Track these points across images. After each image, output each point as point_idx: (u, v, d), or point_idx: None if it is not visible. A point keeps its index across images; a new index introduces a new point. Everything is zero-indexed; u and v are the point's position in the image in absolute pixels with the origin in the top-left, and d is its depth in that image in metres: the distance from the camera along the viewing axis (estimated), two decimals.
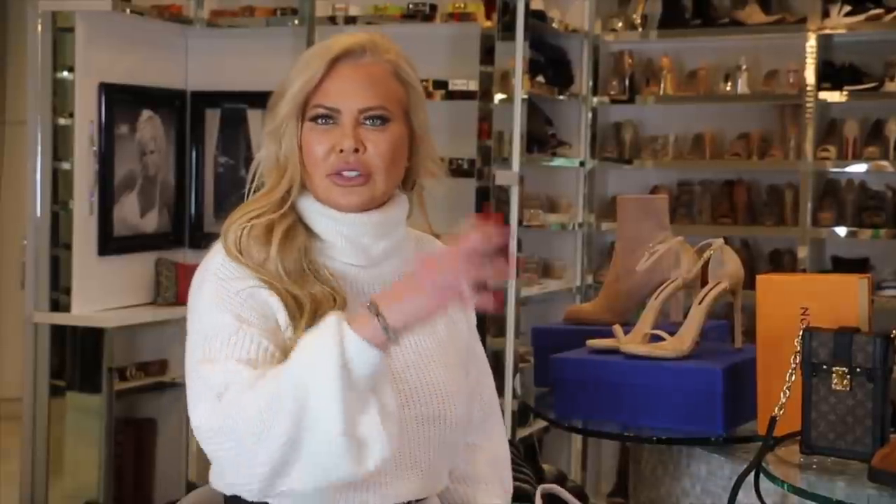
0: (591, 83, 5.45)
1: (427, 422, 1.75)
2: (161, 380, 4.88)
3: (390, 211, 1.78)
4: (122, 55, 4.68)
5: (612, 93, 5.49)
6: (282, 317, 1.68)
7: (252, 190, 1.80)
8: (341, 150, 1.72)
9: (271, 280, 1.69)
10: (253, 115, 5.02)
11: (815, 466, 1.94)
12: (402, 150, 1.77)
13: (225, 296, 1.68)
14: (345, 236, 1.76)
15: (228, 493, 1.70)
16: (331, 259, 1.76)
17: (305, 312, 1.66)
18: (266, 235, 1.73)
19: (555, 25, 5.13)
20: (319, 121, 1.74)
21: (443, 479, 1.82)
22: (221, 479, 1.68)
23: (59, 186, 4.56)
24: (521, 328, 4.50)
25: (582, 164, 5.44)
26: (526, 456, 2.51)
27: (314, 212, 1.76)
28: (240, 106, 5.03)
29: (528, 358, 4.43)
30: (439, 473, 1.81)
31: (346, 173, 1.72)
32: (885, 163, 5.04)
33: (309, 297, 1.68)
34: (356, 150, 1.72)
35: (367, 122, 1.74)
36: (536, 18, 4.86)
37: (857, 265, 5.10)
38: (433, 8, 4.69)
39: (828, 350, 1.95)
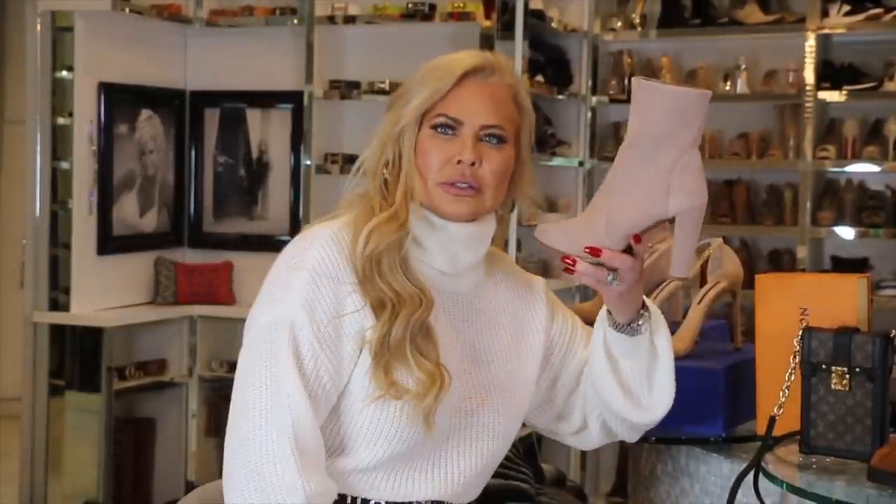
0: (590, 83, 5.45)
1: (472, 433, 1.80)
2: (160, 379, 4.88)
3: (483, 226, 1.82)
4: (122, 55, 4.68)
5: (612, 92, 5.49)
6: (355, 342, 1.72)
7: (350, 188, 1.83)
8: (459, 161, 1.75)
9: (364, 277, 1.73)
10: (252, 115, 5.02)
11: (814, 466, 1.94)
12: (510, 170, 1.81)
13: (317, 308, 1.71)
14: (438, 242, 1.79)
15: None
16: (422, 263, 1.80)
17: (387, 310, 1.71)
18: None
19: (554, 25, 5.13)
20: (440, 129, 1.77)
21: (472, 493, 1.85)
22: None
23: (59, 186, 4.56)
24: None
25: (581, 163, 5.44)
26: (525, 455, 2.51)
27: (414, 214, 1.79)
28: (239, 105, 5.03)
29: None
30: (472, 485, 1.83)
31: (459, 184, 1.76)
32: (884, 162, 5.04)
33: (394, 294, 1.72)
34: (472, 164, 1.75)
35: (486, 139, 1.78)
36: (535, 18, 4.86)
37: (856, 265, 5.10)
38: (432, 7, 4.69)
39: (827, 350, 1.95)
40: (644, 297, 1.83)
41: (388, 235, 1.74)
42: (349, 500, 1.75)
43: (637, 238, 1.71)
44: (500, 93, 1.80)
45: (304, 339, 1.69)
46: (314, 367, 1.70)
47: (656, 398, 1.86)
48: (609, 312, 1.82)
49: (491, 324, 1.86)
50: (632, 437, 1.95)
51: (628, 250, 1.72)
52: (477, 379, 1.81)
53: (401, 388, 1.70)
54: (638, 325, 1.81)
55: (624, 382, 1.85)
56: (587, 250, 1.71)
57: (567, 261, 1.72)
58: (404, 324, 1.71)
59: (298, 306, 1.70)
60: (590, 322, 2.67)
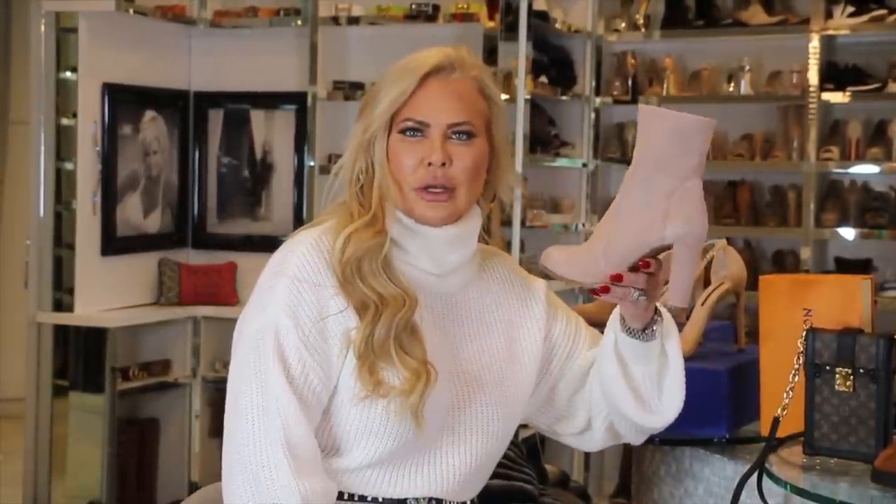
0: (593, 84, 5.45)
1: (465, 430, 1.80)
2: (164, 380, 4.88)
3: (465, 224, 1.83)
4: (126, 55, 4.68)
5: (615, 93, 5.49)
6: (340, 342, 1.74)
7: (331, 194, 1.85)
8: (429, 164, 1.77)
9: (344, 280, 1.75)
10: (256, 116, 5.03)
11: (818, 467, 1.94)
12: (484, 163, 1.82)
13: (300, 312, 1.73)
14: (420, 245, 1.80)
15: None
16: (407, 265, 1.81)
17: (370, 311, 1.73)
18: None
19: (558, 26, 5.14)
20: (408, 133, 1.79)
21: (469, 491, 1.85)
22: None
23: (63, 186, 4.56)
24: None
25: (585, 164, 5.44)
26: (528, 456, 2.51)
27: (392, 219, 1.80)
28: (243, 106, 5.03)
29: None
30: (468, 483, 1.83)
31: (432, 188, 1.77)
32: (888, 164, 5.04)
33: (377, 296, 1.74)
34: (443, 164, 1.77)
35: (454, 136, 1.79)
36: (539, 19, 4.86)
37: (860, 266, 5.10)
38: (436, 8, 4.69)
39: (831, 351, 1.95)
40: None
41: (366, 241, 1.76)
42: (346, 497, 1.77)
43: (646, 264, 1.71)
44: (465, 88, 1.81)
45: (289, 344, 1.72)
46: (302, 370, 1.71)
47: (666, 402, 1.86)
48: (622, 318, 1.81)
49: (481, 323, 1.87)
50: (637, 440, 1.95)
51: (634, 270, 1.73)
52: (467, 377, 1.82)
53: (386, 386, 1.71)
54: (652, 330, 1.81)
55: (634, 386, 1.85)
56: (613, 278, 1.72)
57: (599, 290, 1.74)
58: (388, 324, 1.72)
59: (282, 312, 1.72)
60: (593, 324, 2.67)
